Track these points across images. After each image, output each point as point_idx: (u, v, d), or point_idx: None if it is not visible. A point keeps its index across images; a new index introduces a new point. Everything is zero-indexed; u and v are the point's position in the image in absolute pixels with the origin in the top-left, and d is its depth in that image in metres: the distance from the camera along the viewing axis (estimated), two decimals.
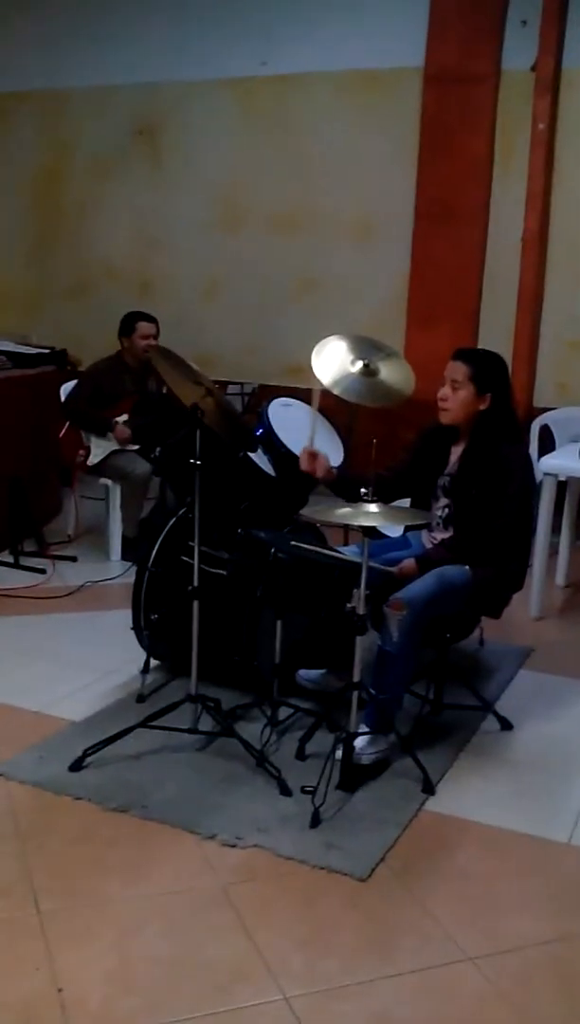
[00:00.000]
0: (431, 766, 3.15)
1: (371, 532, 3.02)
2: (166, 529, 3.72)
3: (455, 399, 3.32)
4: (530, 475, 3.43)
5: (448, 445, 3.44)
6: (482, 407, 3.31)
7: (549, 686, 3.88)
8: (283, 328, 6.50)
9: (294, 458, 3.73)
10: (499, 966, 2.33)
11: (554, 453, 4.92)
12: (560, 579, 5.06)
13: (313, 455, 3.40)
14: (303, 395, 4.15)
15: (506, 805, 3.03)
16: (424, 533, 3.56)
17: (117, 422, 5.18)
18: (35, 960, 2.28)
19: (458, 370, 3.32)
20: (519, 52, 5.61)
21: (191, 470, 3.10)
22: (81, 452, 5.30)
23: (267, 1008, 2.17)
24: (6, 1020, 2.11)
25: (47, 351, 6.18)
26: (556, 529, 4.79)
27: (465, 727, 3.49)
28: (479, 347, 4.89)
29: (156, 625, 3.69)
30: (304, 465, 3.40)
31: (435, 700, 3.48)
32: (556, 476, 4.55)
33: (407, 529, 3.73)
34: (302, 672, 3.66)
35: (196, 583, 3.20)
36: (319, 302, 6.37)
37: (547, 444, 5.48)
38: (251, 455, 3.61)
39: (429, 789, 3.06)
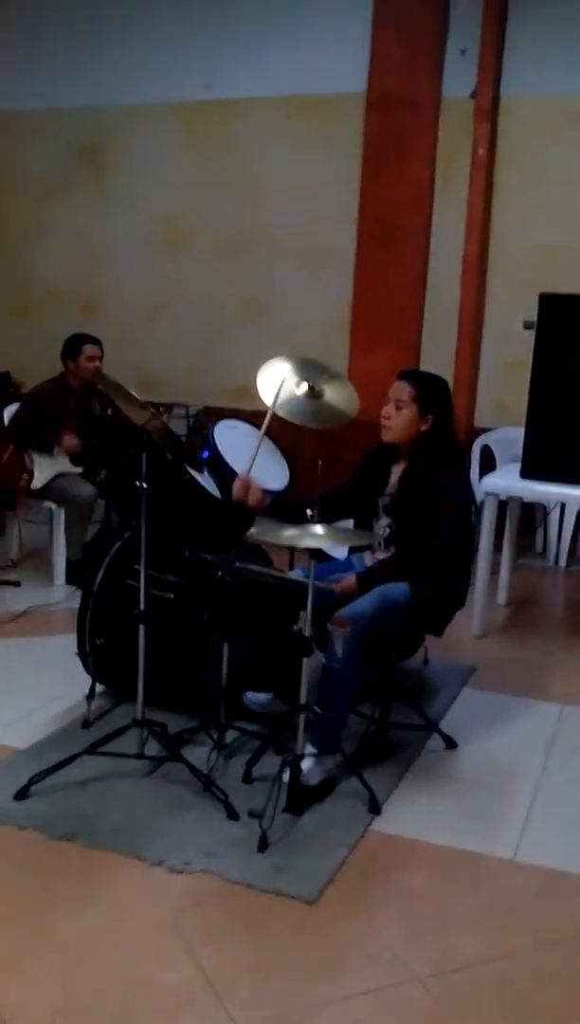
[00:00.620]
0: (377, 786, 3.16)
1: (317, 554, 3.04)
2: (112, 552, 3.70)
3: (398, 418, 3.37)
4: (469, 495, 3.49)
5: (389, 465, 3.48)
6: (424, 428, 3.36)
7: (492, 704, 3.93)
8: (227, 350, 6.53)
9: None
10: (447, 985, 2.35)
11: (495, 473, 4.99)
12: (502, 597, 5.13)
13: (245, 484, 3.43)
14: (248, 417, 4.19)
15: (451, 823, 3.06)
16: (367, 553, 3.60)
17: (63, 434, 5.13)
18: None
19: (403, 390, 3.37)
20: (459, 79, 5.73)
21: (137, 492, 3.10)
22: (24, 476, 5.25)
23: None
24: None
25: None
26: (498, 548, 4.86)
27: (410, 746, 3.51)
28: (422, 368, 4.96)
29: (101, 650, 3.67)
30: (237, 494, 3.43)
31: (381, 719, 3.50)
32: (497, 496, 4.62)
33: (352, 551, 3.76)
34: (249, 695, 3.66)
35: (142, 607, 3.19)
36: (263, 324, 6.42)
37: (488, 464, 5.57)
38: (197, 477, 3.61)
39: (375, 809, 3.08)
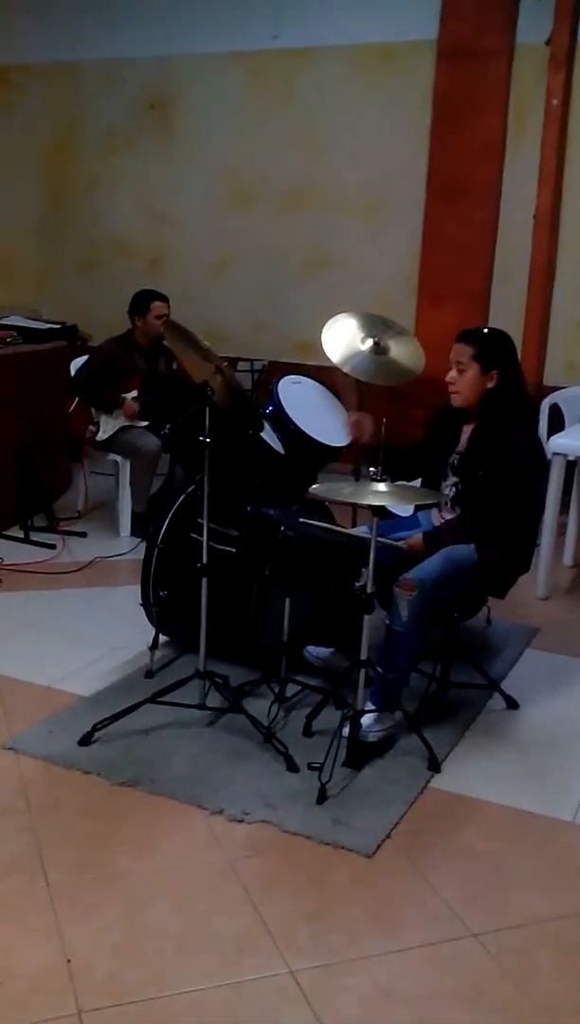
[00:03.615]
0: (437, 744, 3.16)
1: (381, 512, 3.03)
2: (176, 506, 3.73)
3: (462, 381, 3.31)
4: (539, 458, 3.42)
5: (460, 423, 3.43)
6: (490, 385, 3.29)
7: (555, 665, 3.90)
8: (292, 305, 6.48)
9: (303, 436, 3.74)
10: (503, 942, 2.35)
11: (563, 432, 4.90)
12: (568, 559, 5.06)
13: (359, 422, 3.54)
14: (313, 372, 4.16)
15: (512, 784, 3.05)
16: (434, 512, 3.56)
17: (125, 398, 5.17)
18: (45, 932, 2.31)
19: (463, 351, 3.30)
20: (533, 26, 5.55)
21: (200, 447, 3.11)
22: (91, 428, 5.31)
23: (273, 981, 2.20)
24: (17, 990, 2.14)
25: (57, 326, 6.18)
26: (564, 509, 4.79)
27: (471, 706, 3.50)
28: (488, 325, 4.88)
29: (165, 601, 3.70)
30: (354, 432, 3.57)
31: (442, 678, 3.49)
32: (565, 456, 4.53)
33: (417, 508, 3.73)
34: (310, 649, 3.68)
35: (204, 560, 3.21)
36: (329, 279, 6.35)
37: (557, 423, 5.47)
38: (264, 433, 3.61)
39: (435, 767, 3.08)
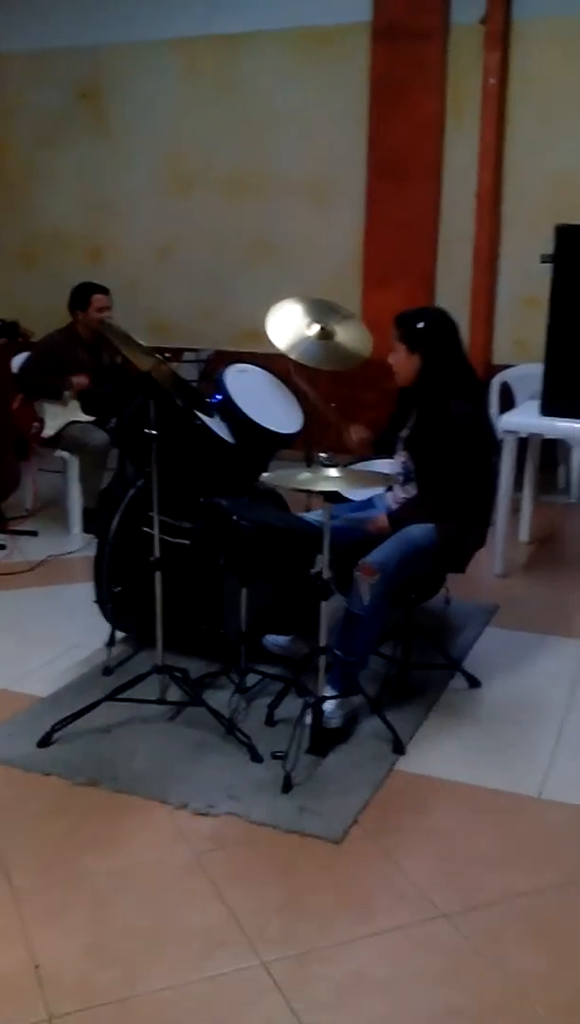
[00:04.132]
0: (401, 726, 3.16)
1: (334, 497, 3.01)
2: (126, 500, 3.68)
3: (395, 361, 3.36)
4: (483, 431, 3.42)
5: (409, 405, 3.43)
6: (418, 365, 3.31)
7: (515, 642, 3.91)
8: (238, 292, 6.43)
9: (253, 424, 3.71)
10: (474, 922, 2.35)
11: (514, 411, 4.91)
12: (523, 535, 5.08)
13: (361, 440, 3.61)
14: (260, 359, 4.12)
15: (476, 762, 3.05)
16: (388, 493, 3.55)
17: (72, 379, 5.08)
18: (11, 937, 2.27)
19: (393, 334, 3.37)
20: (468, 5, 5.54)
21: (147, 440, 3.06)
22: (36, 424, 5.22)
23: (246, 973, 2.18)
24: None
25: None
26: (519, 486, 4.81)
27: (434, 686, 3.50)
28: (435, 305, 4.87)
29: (120, 597, 3.66)
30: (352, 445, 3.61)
31: (403, 660, 3.48)
32: (517, 433, 4.55)
33: None
34: (269, 638, 3.65)
35: (157, 554, 3.17)
36: (274, 265, 6.31)
37: (507, 401, 5.49)
38: (209, 422, 3.57)
39: (399, 749, 3.07)
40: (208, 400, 3.66)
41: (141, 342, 3.09)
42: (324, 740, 3.05)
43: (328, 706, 3.09)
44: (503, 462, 4.51)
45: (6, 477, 5.63)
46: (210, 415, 3.58)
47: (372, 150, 5.92)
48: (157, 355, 3.08)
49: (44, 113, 6.82)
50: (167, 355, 3.12)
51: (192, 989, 2.13)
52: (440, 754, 3.09)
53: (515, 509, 4.82)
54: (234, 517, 3.17)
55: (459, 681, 3.54)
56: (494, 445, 3.59)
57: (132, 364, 3.24)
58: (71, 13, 6.50)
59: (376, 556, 3.14)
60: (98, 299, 5.18)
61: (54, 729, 3.11)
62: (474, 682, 3.53)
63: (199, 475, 3.59)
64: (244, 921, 2.33)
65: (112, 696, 3.19)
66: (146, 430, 3.07)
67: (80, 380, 5.07)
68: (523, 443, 4.72)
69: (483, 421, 3.42)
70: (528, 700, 3.45)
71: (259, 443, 3.77)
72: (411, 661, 3.49)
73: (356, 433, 3.63)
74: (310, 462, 4.00)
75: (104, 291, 5.23)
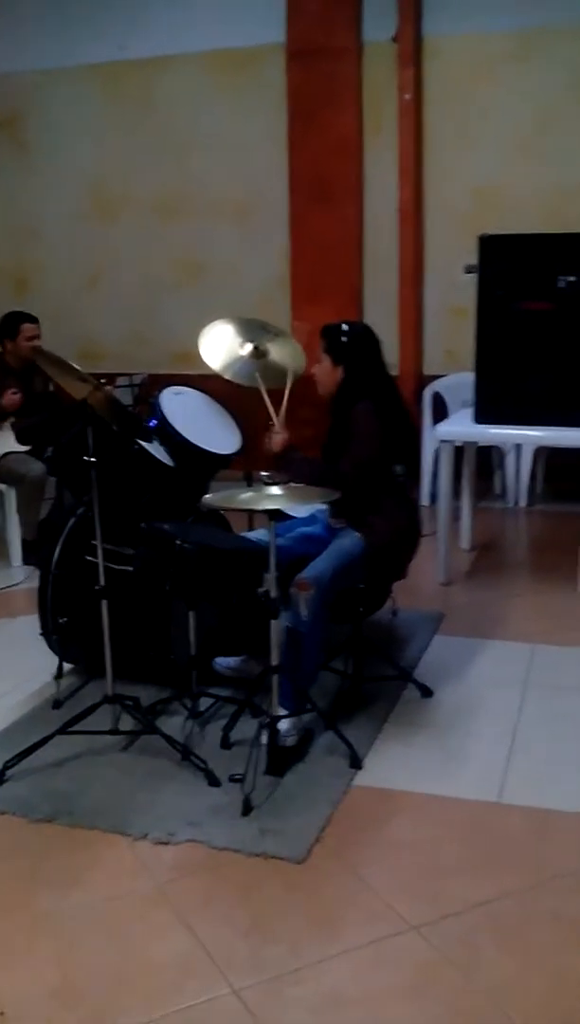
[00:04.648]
0: (356, 740, 3.16)
1: (277, 515, 3.00)
2: (67, 529, 3.63)
3: (319, 372, 3.43)
4: (387, 432, 3.42)
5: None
6: (339, 376, 3.36)
7: (463, 648, 3.94)
8: (168, 315, 6.42)
9: (191, 446, 3.69)
10: (443, 932, 2.35)
11: (448, 420, 4.97)
12: (464, 543, 5.14)
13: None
14: (195, 381, 4.11)
15: (434, 771, 3.06)
16: (327, 507, 3.56)
17: (5, 393, 5.02)
18: None
19: (319, 345, 3.44)
20: (378, 23, 5.63)
21: (85, 467, 3.03)
22: None
23: (218, 1003, 2.14)
24: None
25: None
26: (457, 494, 4.86)
27: (386, 698, 3.51)
28: (361, 320, 4.92)
29: (66, 628, 3.60)
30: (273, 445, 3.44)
31: (355, 674, 3.49)
32: (452, 442, 4.60)
33: None
34: (219, 660, 3.63)
35: (102, 582, 3.13)
36: (204, 286, 6.32)
37: (440, 411, 5.55)
38: (147, 446, 3.54)
39: (356, 764, 3.07)
40: (145, 424, 3.64)
41: (75, 366, 3.06)
42: (281, 760, 3.03)
43: (283, 725, 3.08)
44: (441, 471, 4.55)
45: None
46: (148, 439, 3.55)
47: (293, 169, 5.98)
48: (94, 380, 3.05)
49: None
50: (102, 380, 3.09)
51: (164, 1023, 2.09)
52: (397, 766, 3.09)
53: (455, 517, 4.87)
54: (177, 540, 3.15)
55: (411, 691, 3.56)
56: (401, 449, 3.55)
57: (64, 391, 3.21)
58: None
59: (310, 571, 3.16)
60: (27, 328, 5.14)
61: (6, 766, 3.05)
62: (426, 691, 3.55)
63: (140, 500, 3.56)
64: (212, 949, 2.30)
65: (64, 729, 3.14)
66: (84, 457, 3.04)
67: (11, 398, 5.00)
68: (459, 452, 4.78)
69: (388, 424, 3.41)
70: (480, 706, 3.47)
71: (198, 465, 3.75)
72: (362, 674, 3.49)
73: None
74: (250, 481, 4.01)
75: (33, 320, 5.19)
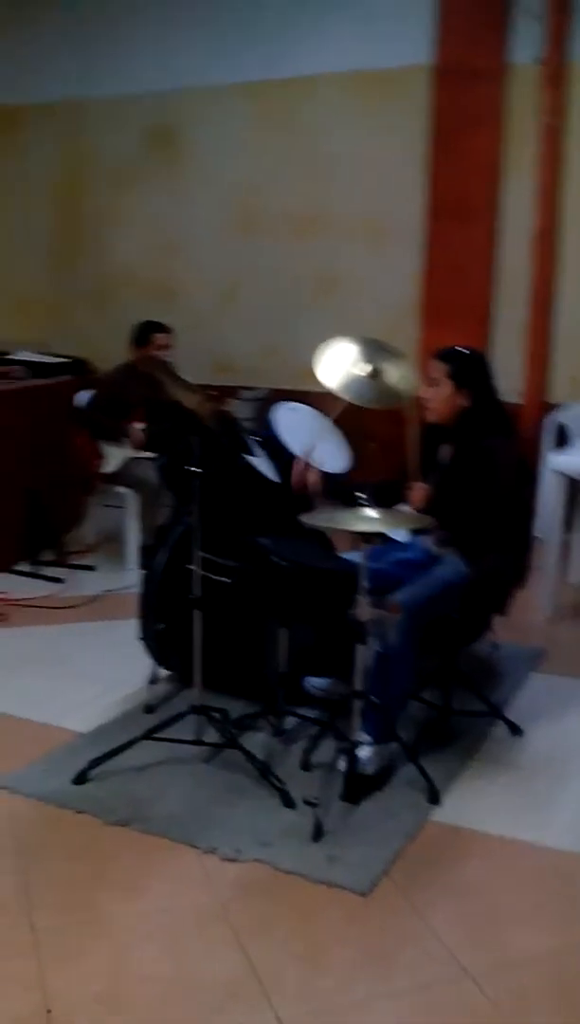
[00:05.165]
0: (438, 775, 3.10)
1: (372, 538, 2.98)
2: (174, 537, 3.70)
3: (436, 397, 3.36)
4: (519, 465, 3.39)
5: (438, 443, 3.42)
6: (464, 403, 3.29)
7: (561, 689, 3.81)
8: (300, 331, 6.45)
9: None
10: (501, 983, 2.27)
11: (566, 450, 4.83)
12: (574, 577, 4.97)
13: (302, 470, 3.44)
14: (316, 399, 4.12)
15: (514, 814, 2.97)
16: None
17: (132, 427, 5.16)
18: (27, 980, 2.26)
19: (436, 368, 3.37)
20: (526, 45, 5.52)
21: (189, 477, 3.09)
22: (97, 461, 5.31)
23: None
24: None
25: (67, 361, 6.20)
26: (568, 526, 4.71)
27: (474, 733, 3.43)
28: (493, 344, 4.85)
29: (165, 635, 3.67)
30: (296, 479, 3.44)
31: (443, 706, 3.42)
32: (565, 474, 4.46)
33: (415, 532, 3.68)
34: (310, 679, 3.62)
35: (197, 592, 3.18)
36: (336, 304, 6.34)
37: (562, 441, 5.39)
38: (254, 461, 3.57)
39: (435, 799, 3.01)
40: (255, 438, 3.68)
41: (186, 379, 3.12)
42: (358, 787, 3.00)
43: (363, 752, 3.05)
44: (551, 502, 4.42)
45: (71, 512, 5.74)
46: (252, 453, 3.59)
47: (431, 190, 5.92)
48: (203, 392, 3.10)
49: (118, 157, 6.98)
50: (214, 392, 3.14)
51: None
52: (477, 805, 3.02)
53: (564, 551, 4.72)
54: (272, 556, 3.17)
55: (501, 729, 3.46)
56: (530, 479, 3.53)
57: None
58: (145, 59, 6.66)
59: (401, 595, 3.12)
60: (159, 337, 5.26)
61: (90, 766, 3.12)
62: (516, 730, 3.45)
63: (244, 513, 3.60)
64: (262, 973, 2.30)
65: (148, 735, 3.19)
66: (188, 467, 3.09)
67: (137, 436, 5.12)
68: (574, 483, 4.63)
69: (516, 454, 3.39)
70: (570, 750, 3.35)
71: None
72: (451, 707, 3.42)
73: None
74: (352, 502, 4.00)
75: (166, 330, 5.31)
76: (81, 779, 3.09)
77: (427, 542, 3.47)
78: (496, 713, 3.49)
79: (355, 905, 2.55)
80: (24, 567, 5.19)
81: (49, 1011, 2.17)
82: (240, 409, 5.29)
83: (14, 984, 2.25)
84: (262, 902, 2.57)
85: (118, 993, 2.23)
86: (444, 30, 5.69)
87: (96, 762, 3.13)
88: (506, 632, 3.81)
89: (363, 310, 6.11)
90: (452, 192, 5.82)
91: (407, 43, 5.82)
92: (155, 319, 5.44)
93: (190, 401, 3.11)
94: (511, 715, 3.51)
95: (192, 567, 3.29)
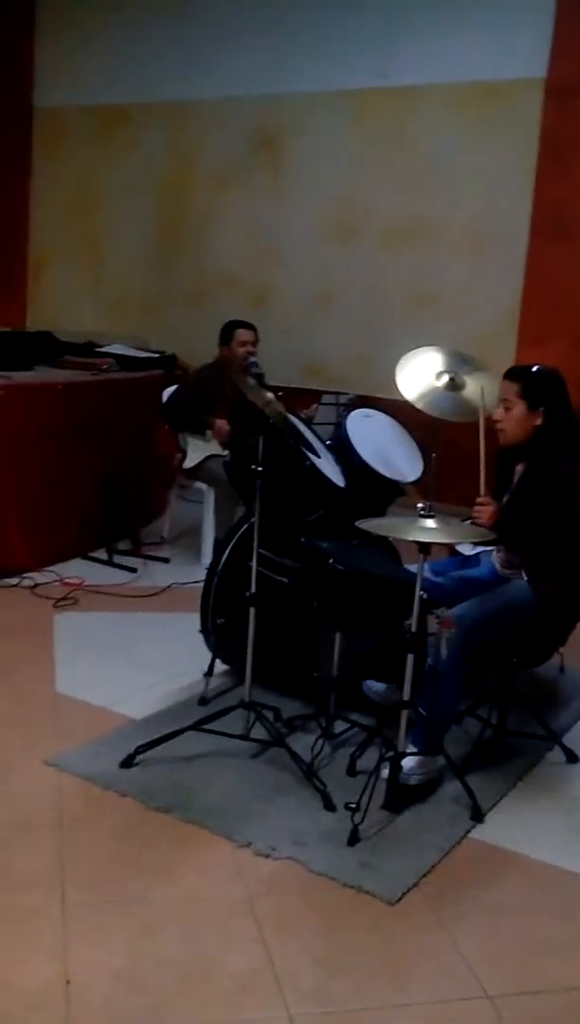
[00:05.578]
0: (485, 793, 3.06)
1: (427, 548, 2.95)
2: (238, 535, 3.73)
3: (509, 418, 3.25)
4: None
5: (514, 463, 3.35)
6: (538, 423, 3.21)
7: None
8: (393, 341, 6.41)
9: (368, 469, 3.70)
10: (519, 1008, 2.23)
11: None
12: None
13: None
14: (400, 407, 4.09)
15: (557, 841, 2.91)
16: (494, 551, 3.46)
17: (218, 422, 5.22)
18: (51, 950, 2.30)
19: (508, 389, 3.26)
20: None
21: (253, 476, 3.11)
22: (177, 455, 5.39)
23: (269, 1023, 2.14)
24: (12, 1005, 2.14)
25: (156, 355, 6.31)
26: None
27: (527, 756, 3.37)
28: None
29: (224, 630, 3.70)
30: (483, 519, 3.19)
31: (498, 726, 3.37)
32: None
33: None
34: (368, 683, 3.61)
35: (253, 589, 3.20)
36: (431, 316, 6.31)
37: None
38: (321, 464, 3.58)
39: (478, 817, 2.97)
40: (327, 442, 3.69)
41: (263, 378, 3.15)
42: (400, 797, 2.98)
43: (408, 762, 3.02)
44: None
45: (150, 504, 5.84)
46: (318, 456, 3.59)
47: (537, 206, 5.87)
48: (272, 393, 3.13)
49: (223, 159, 7.09)
50: (280, 394, 3.16)
51: None
52: (520, 827, 2.96)
53: None
54: (331, 560, 3.17)
55: (557, 754, 3.39)
56: None
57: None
58: (251, 63, 6.77)
59: (458, 609, 3.07)
60: (241, 334, 5.31)
61: (138, 751, 3.17)
62: (572, 757, 3.37)
63: (308, 515, 3.61)
64: (280, 969, 2.30)
65: (197, 726, 3.23)
66: (252, 466, 3.12)
67: (221, 429, 5.18)
68: None
69: None
70: None
71: (375, 488, 3.76)
72: (506, 727, 3.37)
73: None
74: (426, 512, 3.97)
75: (248, 327, 5.36)
76: (128, 763, 3.14)
77: (495, 562, 3.43)
78: (553, 738, 3.42)
79: (381, 913, 2.53)
80: (100, 555, 5.30)
81: (68, 982, 2.21)
82: (322, 413, 5.31)
83: (40, 953, 2.30)
84: (289, 900, 2.57)
85: (136, 973, 2.26)
86: (559, 44, 5.62)
87: (143, 748, 3.17)
88: (576, 656, 3.73)
89: (458, 324, 6.07)
90: (559, 209, 5.75)
91: (518, 56, 5.79)
92: (247, 320, 5.49)
93: (259, 400, 3.13)
94: (571, 743, 3.43)
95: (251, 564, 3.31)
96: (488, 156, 6.03)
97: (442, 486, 3.84)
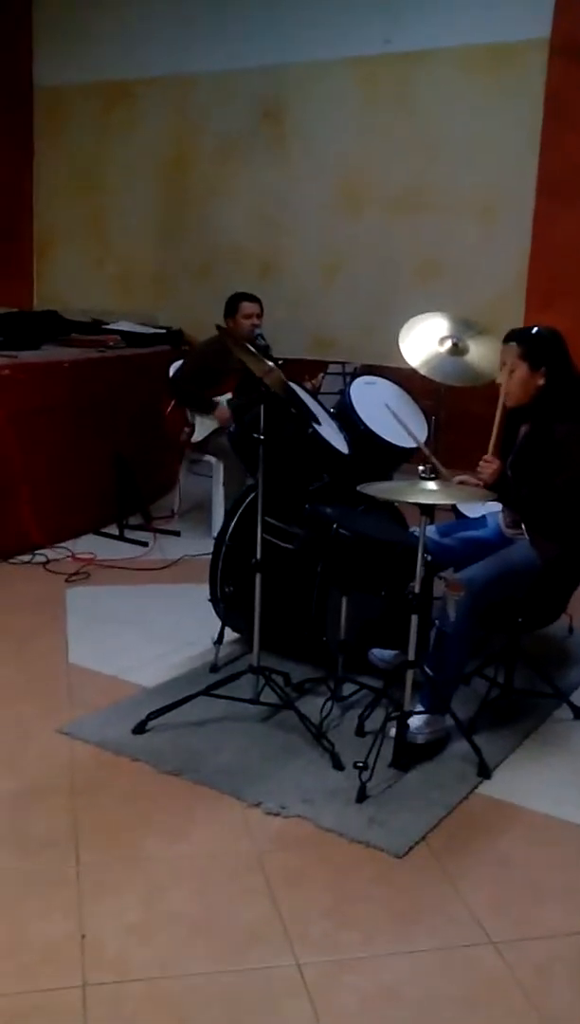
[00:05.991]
0: (492, 751, 3.10)
1: (429, 511, 2.98)
2: (244, 504, 3.77)
3: (512, 381, 3.25)
4: None
5: (519, 424, 3.36)
6: (540, 383, 3.21)
7: None
8: (400, 309, 6.38)
9: (372, 436, 3.73)
10: (521, 952, 2.28)
11: None
12: None
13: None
14: (406, 375, 4.11)
15: (563, 795, 2.95)
16: (501, 512, 3.48)
17: (219, 402, 5.25)
18: (66, 907, 2.37)
19: (509, 352, 3.26)
20: None
21: (256, 445, 3.14)
22: (186, 429, 5.42)
23: (277, 972, 2.20)
24: (28, 958, 2.21)
25: (163, 331, 6.33)
26: None
27: (535, 714, 3.41)
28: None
29: (233, 598, 3.75)
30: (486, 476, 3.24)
31: (505, 685, 3.40)
32: None
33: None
34: (375, 651, 3.65)
35: (259, 556, 3.24)
36: (439, 283, 6.30)
37: None
38: (324, 432, 3.61)
39: (485, 773, 3.01)
40: (330, 409, 3.71)
41: (267, 349, 3.17)
42: (407, 755, 3.03)
43: (415, 721, 3.07)
44: None
45: (160, 478, 5.88)
46: (317, 422, 3.62)
47: (543, 169, 5.83)
48: (271, 363, 3.15)
49: (226, 131, 7.08)
50: (280, 362, 3.19)
51: (221, 979, 2.17)
52: (526, 782, 3.01)
53: None
54: (335, 525, 3.20)
55: (564, 712, 3.43)
56: None
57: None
58: (254, 34, 6.74)
59: (465, 573, 3.10)
60: (246, 306, 5.32)
61: (149, 717, 3.22)
62: (579, 714, 3.41)
63: (312, 482, 3.64)
64: (288, 921, 2.35)
65: (207, 691, 3.28)
66: (255, 435, 3.15)
67: (222, 414, 5.20)
68: None
69: None
70: None
71: (379, 455, 3.79)
72: (513, 686, 3.40)
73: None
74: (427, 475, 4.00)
75: (253, 299, 5.36)
76: (140, 729, 3.20)
77: (501, 523, 3.45)
78: (560, 695, 3.45)
79: (388, 866, 2.58)
80: (112, 530, 5.35)
81: (84, 936, 2.27)
82: (329, 383, 5.32)
83: (55, 910, 2.37)
84: (298, 855, 2.63)
85: (148, 926, 2.32)
86: (562, 2, 5.57)
87: (155, 714, 3.23)
88: None
89: (466, 290, 6.07)
90: (565, 171, 5.73)
91: (525, 17, 5.74)
92: (254, 292, 5.50)
93: (258, 369, 3.16)
94: (577, 700, 3.46)
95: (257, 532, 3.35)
96: (494, 119, 6.00)
97: (449, 453, 3.86)
